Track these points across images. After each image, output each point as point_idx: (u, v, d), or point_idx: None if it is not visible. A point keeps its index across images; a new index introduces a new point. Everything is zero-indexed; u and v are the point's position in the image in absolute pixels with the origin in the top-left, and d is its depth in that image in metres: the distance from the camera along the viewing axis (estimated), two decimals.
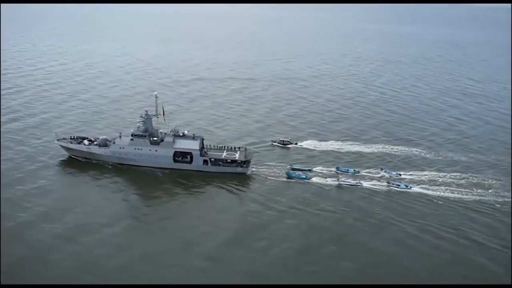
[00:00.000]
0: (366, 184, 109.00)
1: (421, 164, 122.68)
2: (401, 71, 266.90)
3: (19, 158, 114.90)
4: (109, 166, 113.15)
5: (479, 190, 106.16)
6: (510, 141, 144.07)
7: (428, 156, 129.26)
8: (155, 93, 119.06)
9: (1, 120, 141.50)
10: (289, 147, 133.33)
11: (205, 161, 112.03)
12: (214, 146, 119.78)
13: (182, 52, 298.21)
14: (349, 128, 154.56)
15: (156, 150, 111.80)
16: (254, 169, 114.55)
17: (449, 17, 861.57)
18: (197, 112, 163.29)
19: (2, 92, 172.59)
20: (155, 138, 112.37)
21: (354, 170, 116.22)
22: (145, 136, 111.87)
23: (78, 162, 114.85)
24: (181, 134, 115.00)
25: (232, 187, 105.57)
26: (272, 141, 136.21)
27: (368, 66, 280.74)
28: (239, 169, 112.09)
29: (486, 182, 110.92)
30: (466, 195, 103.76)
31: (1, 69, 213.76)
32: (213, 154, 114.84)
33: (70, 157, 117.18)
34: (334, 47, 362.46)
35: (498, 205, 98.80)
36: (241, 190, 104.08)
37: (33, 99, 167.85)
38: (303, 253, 79.86)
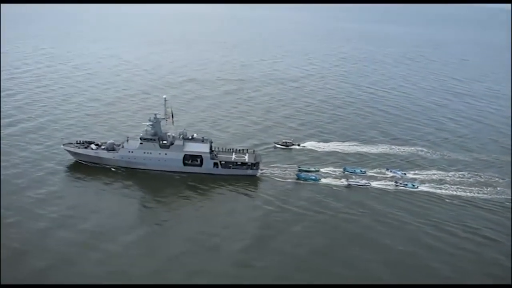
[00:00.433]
0: (374, 184, 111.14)
1: (423, 164, 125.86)
2: (386, 71, 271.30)
3: (24, 164, 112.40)
4: (118, 171, 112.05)
5: (488, 189, 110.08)
6: (507, 140, 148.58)
7: (428, 155, 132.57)
8: (164, 96, 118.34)
9: None
10: (291, 149, 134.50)
11: (215, 164, 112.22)
12: (222, 148, 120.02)
13: (166, 53, 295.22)
14: (346, 128, 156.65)
15: (165, 154, 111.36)
16: (262, 171, 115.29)
17: (432, 16, 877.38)
18: (194, 115, 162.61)
19: None
20: (164, 142, 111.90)
21: (361, 171, 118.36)
22: (154, 140, 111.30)
23: (85, 167, 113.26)
24: (190, 137, 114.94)
25: (245, 189, 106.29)
26: (275, 142, 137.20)
27: (354, 66, 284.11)
28: (249, 171, 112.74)
29: (492, 181, 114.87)
30: (474, 193, 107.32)
31: None
32: (223, 156, 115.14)
33: (76, 161, 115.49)
34: (317, 47, 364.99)
35: (508, 203, 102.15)
36: (254, 192, 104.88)
37: (27, 103, 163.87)
38: (330, 256, 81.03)
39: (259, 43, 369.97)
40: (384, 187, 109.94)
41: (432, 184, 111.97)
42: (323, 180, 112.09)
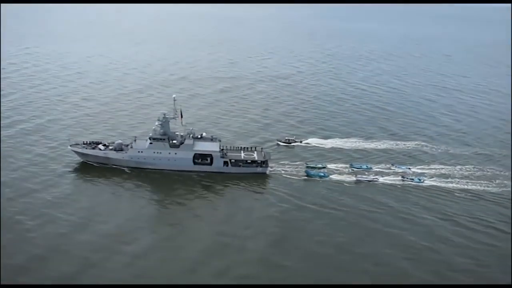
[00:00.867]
0: (382, 179, 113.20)
1: (424, 158, 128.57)
2: (373, 68, 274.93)
3: (31, 167, 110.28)
4: (126, 170, 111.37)
5: (496, 181, 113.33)
6: (502, 134, 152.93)
7: (428, 150, 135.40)
8: (174, 95, 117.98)
9: None
10: (294, 146, 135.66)
11: (225, 163, 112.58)
12: (230, 147, 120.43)
13: (153, 51, 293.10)
14: (345, 125, 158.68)
15: (175, 153, 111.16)
16: (272, 168, 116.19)
17: (416, 14, 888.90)
18: (192, 114, 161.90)
19: None
20: (174, 141, 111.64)
21: (367, 166, 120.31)
22: (164, 139, 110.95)
23: (93, 168, 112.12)
24: (198, 137, 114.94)
25: (257, 187, 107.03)
26: (278, 140, 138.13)
27: (341, 63, 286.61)
28: (259, 169, 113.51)
29: (497, 174, 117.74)
30: (483, 186, 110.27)
31: None
32: (232, 155, 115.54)
33: (83, 162, 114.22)
34: (302, 44, 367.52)
35: None
36: (267, 190, 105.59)
37: (21, 104, 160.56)
38: (357, 253, 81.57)
39: (243, 41, 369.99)
40: (391, 182, 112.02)
41: (436, 178, 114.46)
42: (332, 177, 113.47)
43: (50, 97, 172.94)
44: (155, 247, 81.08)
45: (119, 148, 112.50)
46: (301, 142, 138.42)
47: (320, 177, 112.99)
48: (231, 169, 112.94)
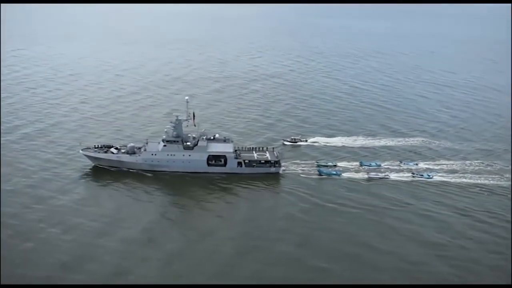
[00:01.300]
0: (392, 176, 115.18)
1: (430, 154, 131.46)
2: (362, 65, 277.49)
3: (41, 172, 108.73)
4: (140, 174, 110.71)
5: (507, 175, 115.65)
6: (499, 129, 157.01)
7: (430, 146, 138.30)
8: (187, 97, 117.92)
9: None
10: (299, 145, 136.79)
11: (239, 163, 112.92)
12: (242, 147, 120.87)
13: (143, 52, 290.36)
14: (345, 123, 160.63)
15: (189, 155, 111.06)
16: (284, 168, 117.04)
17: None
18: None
19: None
20: (188, 143, 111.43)
21: (376, 164, 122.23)
22: (178, 141, 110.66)
23: (106, 172, 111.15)
24: (211, 138, 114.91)
25: (273, 187, 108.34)
26: (284, 139, 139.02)
27: (329, 61, 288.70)
28: (272, 169, 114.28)
29: (506, 169, 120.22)
30: (496, 180, 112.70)
31: None
32: (246, 155, 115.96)
33: (95, 166, 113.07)
34: (288, 42, 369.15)
35: None
36: (284, 190, 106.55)
37: (18, 108, 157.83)
38: (389, 252, 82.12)
39: (229, 40, 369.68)
40: (402, 179, 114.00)
41: (445, 174, 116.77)
42: (344, 175, 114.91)
43: (47, 100, 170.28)
44: (186, 250, 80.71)
45: (132, 151, 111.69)
46: (306, 141, 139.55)
47: (333, 175, 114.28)
48: (244, 169, 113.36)
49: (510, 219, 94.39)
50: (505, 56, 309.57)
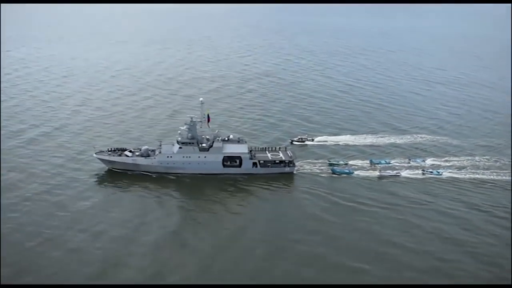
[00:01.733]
0: (403, 173, 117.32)
1: (435, 151, 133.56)
2: (352, 63, 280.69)
3: (56, 177, 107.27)
4: (157, 176, 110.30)
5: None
6: (497, 126, 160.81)
7: (434, 142, 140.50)
8: (201, 99, 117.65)
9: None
10: (307, 144, 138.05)
11: (254, 164, 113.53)
12: (256, 148, 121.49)
13: (133, 52, 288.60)
14: (347, 121, 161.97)
15: (205, 157, 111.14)
16: (298, 168, 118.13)
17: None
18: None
19: None
20: (203, 145, 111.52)
21: (386, 161, 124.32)
22: (193, 143, 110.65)
23: (121, 175, 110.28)
24: (226, 139, 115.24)
25: (290, 187, 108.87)
26: (291, 139, 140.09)
27: (319, 59, 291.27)
28: (286, 169, 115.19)
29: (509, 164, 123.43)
30: (504, 176, 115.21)
31: None
32: (260, 156, 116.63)
33: (109, 169, 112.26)
34: (275, 41, 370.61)
35: None
36: (301, 190, 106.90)
37: (19, 112, 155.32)
38: (422, 251, 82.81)
39: (215, 39, 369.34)
40: (413, 176, 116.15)
41: (456, 170, 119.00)
42: (356, 173, 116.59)
43: (45, 103, 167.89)
44: (214, 254, 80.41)
45: (147, 154, 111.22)
46: (312, 140, 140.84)
47: (346, 174, 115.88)
48: (259, 170, 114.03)
49: None
50: (489, 52, 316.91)
